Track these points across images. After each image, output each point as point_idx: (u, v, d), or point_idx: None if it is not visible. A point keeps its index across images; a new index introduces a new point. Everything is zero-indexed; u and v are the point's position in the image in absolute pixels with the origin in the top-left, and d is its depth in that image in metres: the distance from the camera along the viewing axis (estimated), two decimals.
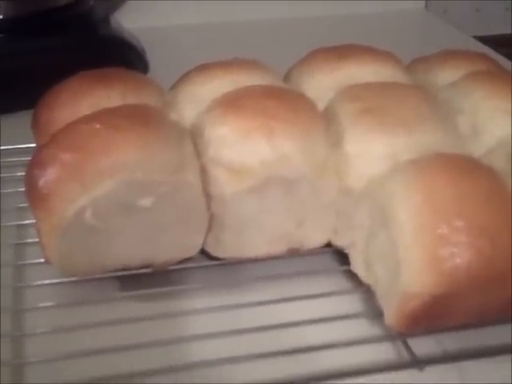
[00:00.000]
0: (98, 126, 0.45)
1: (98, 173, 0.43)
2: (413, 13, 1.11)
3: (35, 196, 0.44)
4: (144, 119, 0.46)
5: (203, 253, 0.50)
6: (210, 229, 0.48)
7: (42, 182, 0.44)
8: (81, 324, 0.45)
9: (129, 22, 0.87)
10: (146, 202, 0.44)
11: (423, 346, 0.45)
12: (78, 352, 0.43)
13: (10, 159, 0.61)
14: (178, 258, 0.49)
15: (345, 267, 0.51)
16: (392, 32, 1.02)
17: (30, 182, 0.44)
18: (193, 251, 0.49)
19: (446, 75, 0.59)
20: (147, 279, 0.49)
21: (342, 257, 0.52)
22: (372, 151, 0.48)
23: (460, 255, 0.41)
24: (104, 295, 0.49)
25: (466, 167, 0.45)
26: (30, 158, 0.47)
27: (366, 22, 1.04)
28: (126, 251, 0.47)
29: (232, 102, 0.49)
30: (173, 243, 0.48)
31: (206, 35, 0.98)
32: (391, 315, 0.44)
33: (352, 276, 0.50)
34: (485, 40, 1.01)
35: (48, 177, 0.43)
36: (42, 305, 0.47)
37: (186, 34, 0.99)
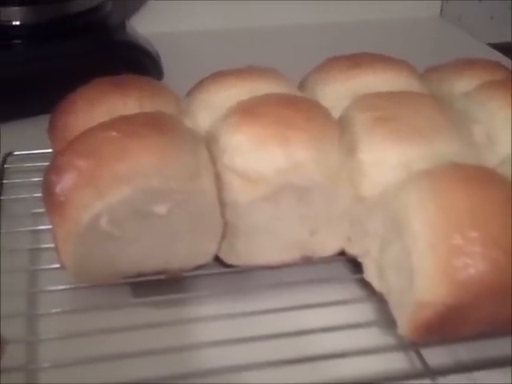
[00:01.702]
0: (114, 133, 0.45)
1: (114, 180, 0.43)
2: (427, 20, 1.11)
3: (52, 202, 0.44)
4: (160, 126, 0.46)
5: (217, 260, 0.50)
6: (223, 236, 0.48)
7: (58, 189, 0.44)
8: (94, 330, 0.45)
9: (144, 27, 0.87)
10: (161, 209, 0.45)
11: (436, 355, 0.45)
12: (91, 358, 0.43)
13: (25, 164, 0.61)
14: (192, 264, 0.49)
15: (358, 276, 0.51)
16: (406, 39, 1.02)
17: (47, 187, 0.45)
18: (207, 258, 0.49)
19: (461, 84, 0.59)
20: (160, 286, 0.49)
21: (354, 265, 0.52)
22: (386, 160, 0.48)
23: (474, 266, 0.41)
24: (117, 301, 0.49)
25: (480, 178, 0.45)
26: (45, 164, 0.47)
27: (380, 28, 1.04)
28: (140, 258, 0.47)
29: (247, 110, 0.49)
30: (187, 250, 0.48)
31: (221, 41, 0.99)
32: (404, 324, 0.44)
33: (365, 285, 0.50)
34: (499, 47, 1.01)
35: (65, 183, 0.44)
36: (55, 310, 0.47)
37: (201, 40, 0.99)
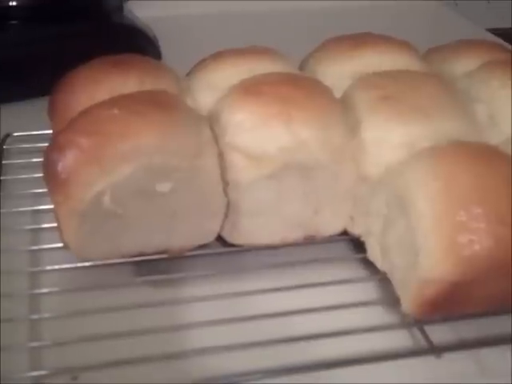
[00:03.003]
0: (116, 111, 0.45)
1: (116, 157, 0.43)
2: (425, 5, 1.10)
3: (54, 180, 0.44)
4: (162, 105, 0.46)
5: (219, 239, 0.50)
6: (226, 215, 0.48)
7: (60, 167, 0.44)
8: (96, 308, 0.45)
9: (142, 10, 0.86)
10: (163, 187, 0.44)
11: (440, 333, 0.45)
12: (92, 335, 0.43)
13: (24, 145, 0.61)
14: (195, 243, 0.49)
15: (360, 255, 0.51)
16: (404, 24, 1.01)
17: (49, 166, 0.44)
18: (209, 237, 0.49)
19: (461, 65, 0.59)
20: (163, 265, 0.49)
21: (357, 245, 0.52)
22: (389, 139, 0.48)
23: (479, 242, 0.41)
24: (119, 280, 0.49)
25: (484, 155, 0.45)
26: (44, 145, 0.47)
27: (377, 13, 1.04)
28: (143, 236, 0.47)
29: (250, 89, 0.49)
30: (190, 229, 0.48)
31: (219, 25, 0.98)
32: (408, 302, 0.43)
33: (367, 264, 0.50)
34: (496, 32, 1.01)
35: (66, 161, 0.43)
36: (57, 289, 0.47)
37: (199, 23, 0.99)
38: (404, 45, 0.60)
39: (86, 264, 0.48)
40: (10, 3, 0.70)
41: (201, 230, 0.48)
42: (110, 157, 0.43)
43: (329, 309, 0.46)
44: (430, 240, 0.42)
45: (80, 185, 0.43)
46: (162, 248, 0.48)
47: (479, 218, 0.41)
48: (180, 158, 0.44)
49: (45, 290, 0.47)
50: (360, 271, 0.51)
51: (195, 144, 0.45)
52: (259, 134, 0.46)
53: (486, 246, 0.41)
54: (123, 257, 0.48)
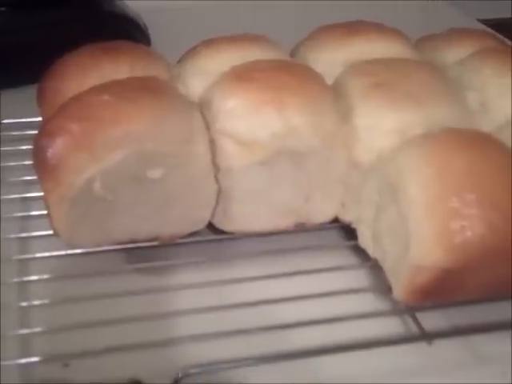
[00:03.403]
0: (107, 97, 0.44)
1: (107, 143, 0.42)
2: None
3: (43, 167, 0.44)
4: (154, 91, 0.45)
5: (210, 226, 0.50)
6: (217, 202, 0.48)
7: (50, 153, 0.43)
8: (85, 295, 0.45)
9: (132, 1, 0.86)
10: (155, 173, 0.44)
11: (431, 320, 0.45)
12: (82, 323, 0.43)
13: (13, 133, 0.60)
14: (186, 231, 0.49)
15: (351, 242, 0.51)
16: (395, 14, 1.01)
17: (38, 152, 0.44)
18: (200, 225, 0.49)
19: (453, 53, 0.59)
20: (153, 252, 0.49)
21: (348, 232, 0.52)
22: (381, 125, 0.48)
23: (471, 228, 0.40)
24: (109, 267, 0.49)
25: (477, 141, 0.45)
26: (32, 132, 0.46)
27: (370, 2, 1.03)
28: (133, 223, 0.46)
29: (241, 75, 0.48)
30: (181, 216, 0.47)
31: (208, 15, 0.97)
32: (400, 289, 0.43)
33: (359, 251, 0.50)
34: (487, 23, 1.01)
35: (56, 147, 0.43)
36: (47, 276, 0.46)
37: (188, 13, 0.98)
38: (396, 33, 0.60)
39: (76, 251, 0.47)
40: None
41: (192, 216, 0.48)
42: (101, 143, 0.42)
43: (320, 296, 0.46)
44: (422, 226, 0.42)
45: (70, 171, 0.43)
46: (153, 235, 0.48)
47: (472, 204, 0.41)
48: (171, 144, 0.44)
49: (34, 278, 0.46)
50: (351, 258, 0.51)
51: (186, 130, 0.45)
52: (251, 121, 0.46)
53: (479, 232, 0.40)
54: (113, 244, 0.48)
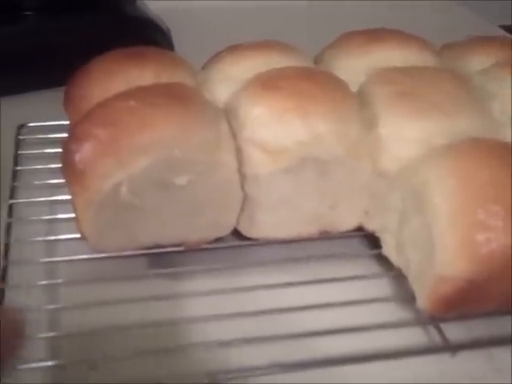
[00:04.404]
0: (133, 102, 0.45)
1: (134, 149, 0.43)
2: (437, 1, 1.10)
3: (71, 171, 0.44)
4: (180, 97, 0.46)
5: (235, 233, 0.50)
6: (243, 209, 0.48)
7: (78, 157, 0.44)
8: (111, 299, 0.45)
9: (154, 2, 0.86)
10: (181, 180, 0.44)
11: (453, 331, 0.45)
12: (109, 326, 0.43)
13: (39, 136, 0.61)
14: (211, 237, 0.49)
15: (375, 251, 0.51)
16: (417, 20, 1.01)
17: (67, 157, 0.44)
18: (225, 231, 0.49)
19: (476, 61, 0.58)
20: (177, 257, 0.49)
21: (372, 240, 0.52)
22: (406, 134, 0.48)
23: (496, 240, 0.40)
24: (133, 272, 0.49)
25: (501, 152, 0.45)
26: (58, 135, 0.47)
27: (391, 9, 1.03)
28: (159, 229, 0.47)
29: (266, 83, 0.49)
30: (206, 222, 0.48)
31: (231, 18, 0.98)
32: (424, 298, 0.43)
33: (382, 260, 0.50)
34: (509, 30, 1.00)
35: (84, 152, 0.43)
36: (74, 279, 0.47)
37: (211, 16, 0.98)
38: (419, 41, 0.60)
39: (102, 255, 0.48)
40: None
41: (217, 223, 0.48)
42: (128, 148, 0.43)
43: (343, 305, 0.46)
44: (446, 237, 0.42)
45: (97, 176, 0.43)
46: (178, 240, 0.48)
47: (496, 216, 0.41)
48: (198, 151, 0.44)
49: (60, 281, 0.47)
50: (374, 267, 0.51)
51: (213, 137, 0.45)
52: (276, 129, 0.46)
53: (504, 243, 0.40)
54: (139, 248, 0.48)
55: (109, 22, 0.77)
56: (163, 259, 0.49)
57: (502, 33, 0.98)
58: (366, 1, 1.05)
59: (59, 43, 0.72)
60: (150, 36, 0.80)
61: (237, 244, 0.51)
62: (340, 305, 0.46)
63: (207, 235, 0.49)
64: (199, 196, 0.46)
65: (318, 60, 0.60)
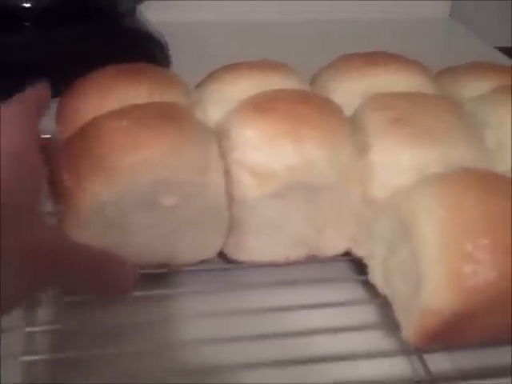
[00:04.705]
0: (125, 122, 0.44)
1: (123, 169, 0.43)
2: (436, 20, 1.10)
3: (59, 187, 0.44)
4: (172, 118, 0.46)
5: (221, 255, 0.50)
6: (230, 231, 0.48)
7: (66, 174, 0.43)
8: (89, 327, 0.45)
9: (154, 15, 0.86)
10: (169, 200, 0.44)
11: (438, 362, 0.45)
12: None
13: None
14: (197, 259, 0.49)
15: (362, 277, 0.50)
16: (415, 38, 1.02)
17: (55, 173, 0.44)
18: (211, 253, 0.49)
19: (473, 87, 0.58)
20: (162, 279, 0.49)
21: (359, 266, 0.51)
22: (398, 162, 0.48)
23: (484, 273, 0.40)
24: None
25: (492, 184, 0.45)
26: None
27: (389, 27, 1.04)
28: (145, 249, 0.47)
29: (259, 105, 0.49)
30: (192, 244, 0.48)
31: (229, 33, 0.98)
32: (410, 330, 0.43)
33: (368, 286, 0.50)
34: (507, 51, 1.01)
35: (73, 169, 0.43)
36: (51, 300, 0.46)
37: (210, 31, 0.98)
38: (416, 65, 0.60)
39: None
40: (24, 4, 0.70)
41: (203, 244, 0.48)
42: (117, 168, 0.43)
43: (327, 331, 0.46)
44: (434, 268, 0.41)
45: (85, 194, 0.43)
46: (163, 261, 0.48)
47: (485, 249, 0.41)
48: (187, 172, 0.44)
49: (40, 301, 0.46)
50: (361, 293, 0.51)
51: (203, 159, 0.45)
52: (267, 152, 0.46)
53: (491, 277, 0.40)
54: None
55: (107, 34, 0.77)
56: (147, 280, 0.49)
57: (498, 54, 0.98)
58: (363, 16, 1.05)
59: (56, 55, 0.72)
60: (148, 50, 0.80)
61: (222, 267, 0.50)
62: (324, 332, 0.46)
63: (193, 256, 0.49)
64: (186, 217, 0.46)
65: (314, 81, 0.60)
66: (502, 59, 0.94)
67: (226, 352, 0.44)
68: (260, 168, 0.46)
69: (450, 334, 0.42)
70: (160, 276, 0.49)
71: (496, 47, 1.03)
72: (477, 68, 0.62)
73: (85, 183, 0.43)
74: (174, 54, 0.83)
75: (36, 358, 0.42)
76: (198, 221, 0.46)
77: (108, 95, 0.51)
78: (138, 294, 0.47)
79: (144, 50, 0.78)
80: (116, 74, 0.52)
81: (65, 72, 0.54)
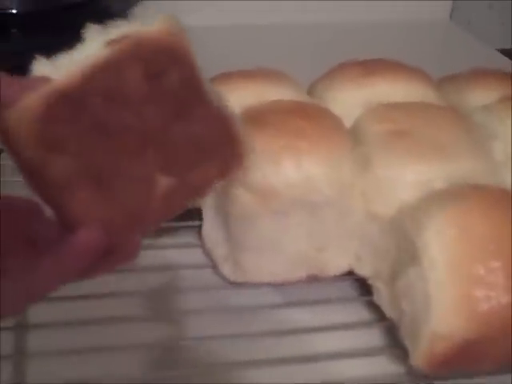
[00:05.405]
0: None
1: None
2: (436, 22, 1.08)
3: None
4: None
5: (219, 277, 0.48)
6: (227, 253, 0.46)
7: None
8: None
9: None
10: None
11: None
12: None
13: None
14: None
15: (366, 297, 0.48)
16: (415, 41, 1.00)
17: None
18: None
19: (477, 96, 0.56)
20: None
21: (362, 285, 0.49)
22: (403, 177, 0.46)
23: (496, 298, 0.38)
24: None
25: (502, 202, 0.43)
26: None
27: (389, 29, 1.02)
28: None
29: (256, 119, 0.46)
30: None
31: (225, 38, 0.95)
32: (418, 356, 0.41)
33: (373, 307, 0.48)
34: (508, 53, 0.99)
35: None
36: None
37: (204, 35, 0.96)
38: (417, 73, 0.57)
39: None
40: (11, 11, 0.67)
41: None
42: None
43: (330, 357, 0.44)
44: (443, 291, 0.39)
45: None
46: None
47: (497, 273, 0.39)
48: None
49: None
50: (365, 314, 0.48)
51: None
52: (266, 169, 0.44)
53: (504, 302, 0.38)
54: None
55: None
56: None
57: (499, 56, 0.96)
58: (363, 19, 1.03)
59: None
60: None
61: (221, 288, 0.48)
62: (326, 357, 0.44)
63: None
64: None
65: (311, 90, 0.58)
66: (503, 61, 0.92)
67: (221, 375, 0.42)
68: (259, 185, 0.44)
69: (460, 360, 0.40)
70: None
71: (497, 49, 1.01)
72: (479, 76, 0.59)
73: None
74: None
75: None
76: None
77: None
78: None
79: None
80: None
81: None
